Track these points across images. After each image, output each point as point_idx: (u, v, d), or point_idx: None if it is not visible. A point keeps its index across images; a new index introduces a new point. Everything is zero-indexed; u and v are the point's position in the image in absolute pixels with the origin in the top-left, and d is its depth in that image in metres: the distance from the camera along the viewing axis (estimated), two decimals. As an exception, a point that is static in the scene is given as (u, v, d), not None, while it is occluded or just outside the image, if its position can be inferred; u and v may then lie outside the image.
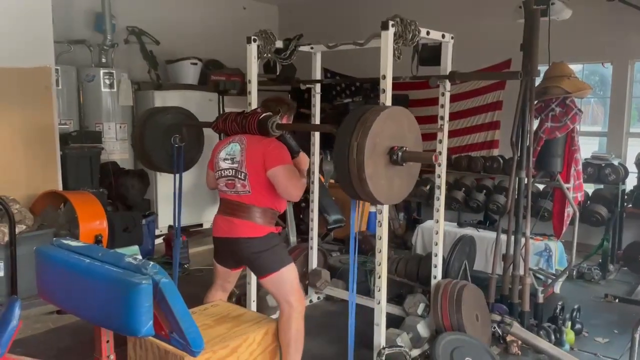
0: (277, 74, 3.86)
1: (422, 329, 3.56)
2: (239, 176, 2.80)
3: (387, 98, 2.93)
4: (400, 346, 3.26)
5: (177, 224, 3.57)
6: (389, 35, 2.89)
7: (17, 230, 3.92)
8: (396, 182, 2.38)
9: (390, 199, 2.47)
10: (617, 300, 4.53)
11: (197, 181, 6.21)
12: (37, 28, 4.54)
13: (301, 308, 2.82)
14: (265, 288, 2.97)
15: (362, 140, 2.17)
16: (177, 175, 3.46)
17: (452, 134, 6.10)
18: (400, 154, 2.29)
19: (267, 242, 2.79)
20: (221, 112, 6.65)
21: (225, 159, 2.87)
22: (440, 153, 3.58)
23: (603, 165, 5.34)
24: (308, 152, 4.35)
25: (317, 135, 4.21)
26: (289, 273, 2.83)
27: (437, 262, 3.69)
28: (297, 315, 2.80)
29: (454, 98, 5.84)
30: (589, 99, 6.48)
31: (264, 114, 2.85)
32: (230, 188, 2.84)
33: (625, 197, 5.41)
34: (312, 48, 3.88)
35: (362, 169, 2.18)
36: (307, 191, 4.33)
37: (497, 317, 3.68)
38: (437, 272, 3.69)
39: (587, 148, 5.69)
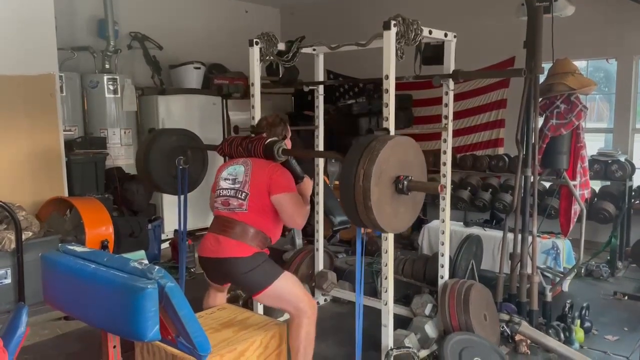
0: (280, 76, 3.86)
1: (430, 329, 3.55)
2: (239, 195, 2.78)
3: (390, 98, 2.92)
4: (408, 347, 3.25)
5: (182, 241, 3.56)
6: (391, 35, 2.89)
7: (23, 237, 3.93)
8: (401, 210, 2.39)
9: (394, 227, 2.47)
10: (626, 298, 4.50)
11: (202, 184, 6.23)
12: (41, 36, 4.56)
13: (312, 312, 2.78)
14: (265, 305, 2.91)
15: (368, 167, 2.19)
16: (182, 197, 3.46)
17: (456, 133, 6.09)
18: (406, 183, 2.30)
19: (254, 262, 2.73)
20: (225, 115, 6.67)
21: (226, 179, 2.86)
22: (444, 152, 3.56)
23: (609, 161, 5.30)
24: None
25: (321, 137, 4.20)
26: (284, 283, 2.77)
27: (444, 262, 3.67)
28: (308, 321, 2.77)
29: (457, 97, 5.82)
30: (594, 95, 6.45)
31: (270, 139, 2.86)
32: (225, 206, 2.81)
33: (633, 193, 5.37)
34: (314, 50, 3.87)
35: (367, 197, 2.19)
36: (313, 193, 4.33)
37: (506, 317, 3.66)
38: (444, 272, 3.67)
39: (593, 145, 5.65)
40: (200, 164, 3.62)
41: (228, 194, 2.82)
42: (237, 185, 2.81)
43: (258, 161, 2.85)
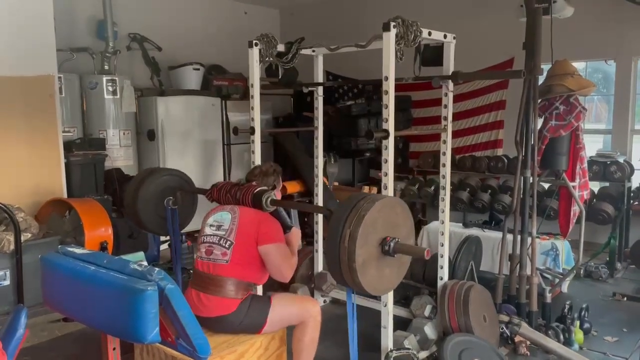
0: (280, 77, 3.86)
1: (430, 330, 3.55)
2: (222, 243, 2.71)
3: (389, 99, 2.92)
4: (408, 348, 3.25)
5: (177, 270, 3.60)
6: (390, 36, 2.89)
7: (22, 239, 3.92)
8: (386, 272, 2.35)
9: (379, 289, 2.44)
10: (625, 299, 4.50)
11: (200, 185, 6.23)
12: (40, 36, 4.55)
13: (316, 315, 2.77)
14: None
15: (354, 229, 2.16)
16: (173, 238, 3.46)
17: (455, 134, 6.07)
18: (392, 245, 2.26)
19: (240, 313, 2.67)
20: (224, 117, 6.67)
21: (211, 225, 2.80)
22: (444, 153, 3.56)
23: (608, 162, 5.30)
24: (312, 154, 4.36)
25: (320, 138, 4.20)
26: (277, 309, 2.73)
27: (444, 263, 3.67)
28: (313, 324, 2.76)
29: (457, 98, 5.80)
30: (592, 96, 6.45)
31: (259, 189, 2.81)
32: (208, 255, 2.74)
33: (632, 194, 5.38)
34: (313, 51, 3.88)
35: (352, 259, 2.16)
36: (312, 194, 4.33)
37: (505, 318, 3.66)
38: (443, 273, 3.67)
39: (592, 146, 5.66)
40: (190, 205, 3.57)
41: (212, 241, 2.75)
42: (221, 233, 2.74)
43: (246, 209, 2.78)
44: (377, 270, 2.29)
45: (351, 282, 2.25)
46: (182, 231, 3.67)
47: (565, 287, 4.63)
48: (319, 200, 4.24)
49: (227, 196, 2.88)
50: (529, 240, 3.84)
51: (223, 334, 2.67)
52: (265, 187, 2.84)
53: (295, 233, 2.92)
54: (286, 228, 2.86)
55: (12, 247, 3.87)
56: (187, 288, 2.80)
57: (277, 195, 2.95)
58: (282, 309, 2.75)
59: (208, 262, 2.72)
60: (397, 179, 5.55)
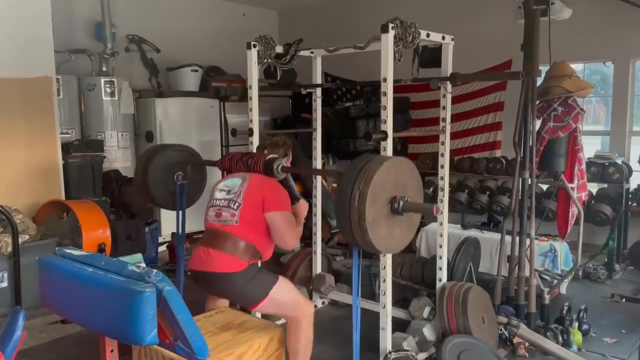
0: (278, 79, 3.87)
1: (428, 332, 3.54)
2: (232, 205, 2.74)
3: (388, 101, 2.92)
4: (407, 350, 3.25)
5: (179, 250, 3.58)
6: (389, 37, 2.89)
7: (20, 240, 3.92)
8: (396, 231, 2.38)
9: (390, 247, 2.47)
10: (624, 300, 4.50)
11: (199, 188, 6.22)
12: (38, 38, 4.56)
13: (310, 314, 2.78)
14: (264, 314, 2.87)
15: (364, 188, 2.19)
16: (180, 213, 3.47)
17: (454, 135, 6.09)
18: (401, 203, 2.30)
19: (247, 275, 2.68)
20: (222, 118, 6.67)
21: (221, 190, 2.85)
22: (442, 155, 3.56)
23: (607, 164, 5.31)
24: (310, 155, 4.35)
25: (319, 139, 4.20)
26: (281, 290, 2.74)
27: (442, 264, 3.67)
28: (307, 324, 2.76)
29: (455, 100, 5.82)
30: (590, 98, 6.46)
31: (271, 156, 2.88)
32: (218, 217, 2.77)
33: (630, 195, 5.38)
34: (312, 52, 3.88)
35: (362, 218, 2.19)
36: (310, 195, 4.33)
37: (504, 319, 3.66)
38: (442, 275, 3.67)
39: (590, 147, 5.67)
40: (199, 180, 3.61)
41: (221, 204, 2.78)
42: (231, 196, 2.78)
43: (257, 176, 2.85)
44: (387, 228, 2.32)
45: (362, 241, 2.27)
46: (180, 247, 3.68)
47: (563, 289, 4.63)
48: (317, 202, 4.24)
49: (239, 164, 2.94)
50: (528, 241, 3.84)
51: (224, 294, 2.73)
52: (276, 155, 2.91)
53: (303, 205, 2.98)
54: (294, 199, 2.92)
55: (9, 249, 3.87)
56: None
57: (287, 163, 3.00)
58: (285, 292, 2.77)
59: (218, 223, 2.76)
60: (395, 180, 5.54)
